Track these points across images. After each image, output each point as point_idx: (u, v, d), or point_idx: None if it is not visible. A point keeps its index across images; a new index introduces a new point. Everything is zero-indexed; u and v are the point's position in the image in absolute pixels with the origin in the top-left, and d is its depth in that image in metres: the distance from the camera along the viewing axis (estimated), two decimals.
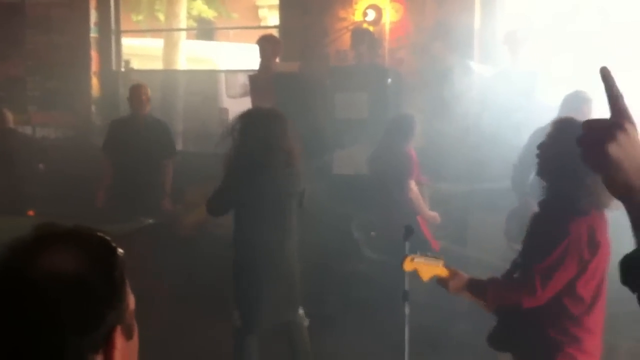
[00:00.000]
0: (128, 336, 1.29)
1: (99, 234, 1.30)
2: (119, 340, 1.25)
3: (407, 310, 3.54)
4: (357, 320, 5.67)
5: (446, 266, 3.25)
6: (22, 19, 8.42)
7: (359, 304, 5.89)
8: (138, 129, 6.32)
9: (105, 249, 1.27)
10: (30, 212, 5.46)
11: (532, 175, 5.33)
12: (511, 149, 5.45)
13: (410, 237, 3.76)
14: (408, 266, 3.27)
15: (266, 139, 4.30)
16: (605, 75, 1.30)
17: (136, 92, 6.39)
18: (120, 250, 1.30)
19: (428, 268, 3.24)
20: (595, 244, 3.02)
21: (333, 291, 6.23)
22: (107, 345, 1.24)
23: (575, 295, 3.06)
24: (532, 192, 5.28)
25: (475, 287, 3.19)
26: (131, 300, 1.32)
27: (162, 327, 5.29)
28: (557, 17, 6.69)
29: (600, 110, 5.11)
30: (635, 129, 1.28)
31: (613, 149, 1.25)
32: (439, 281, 3.25)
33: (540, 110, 5.32)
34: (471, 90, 6.47)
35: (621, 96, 1.29)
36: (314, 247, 6.02)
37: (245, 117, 4.44)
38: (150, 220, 5.73)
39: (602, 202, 3.01)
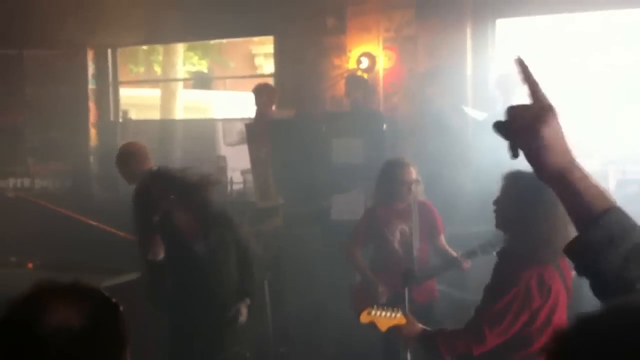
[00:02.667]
0: None
1: (99, 290, 1.33)
2: None
3: (408, 357, 3.55)
4: None
5: (405, 315, 3.32)
6: (20, 71, 8.52)
7: (358, 350, 5.86)
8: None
9: (108, 304, 1.30)
10: (30, 265, 5.45)
11: None
12: None
13: (409, 282, 3.80)
14: (365, 318, 3.34)
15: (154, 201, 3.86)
16: (521, 64, 1.37)
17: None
18: (120, 307, 1.33)
19: (385, 320, 3.31)
20: (545, 290, 3.07)
21: (334, 336, 6.20)
22: None
23: (528, 339, 3.11)
24: None
25: (426, 339, 3.25)
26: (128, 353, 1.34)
27: None
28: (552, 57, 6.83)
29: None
30: (556, 113, 1.36)
31: (545, 130, 1.33)
32: (394, 329, 3.30)
33: None
34: (466, 135, 6.55)
35: (538, 83, 1.37)
36: (314, 293, 6.02)
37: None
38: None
39: (559, 250, 3.07)
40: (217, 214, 4.13)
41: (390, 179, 4.94)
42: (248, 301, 4.26)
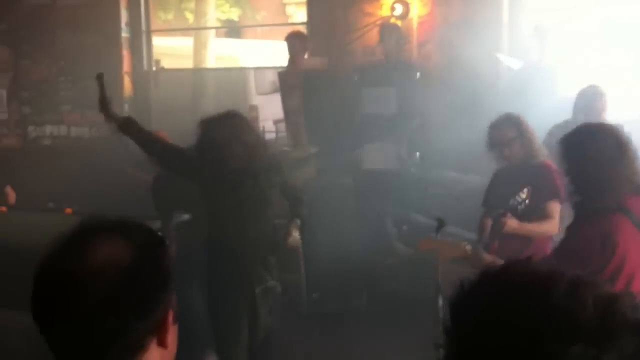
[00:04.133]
0: (174, 320, 1.37)
1: (145, 225, 1.37)
2: (170, 324, 1.34)
3: (440, 303, 3.58)
4: (389, 314, 5.72)
5: (472, 247, 3.30)
6: (53, 20, 8.56)
7: (391, 298, 5.94)
8: None
9: (153, 238, 1.34)
10: (68, 210, 5.58)
11: None
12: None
13: (441, 229, 3.80)
14: (425, 245, 3.31)
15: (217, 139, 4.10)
16: None
17: None
18: (165, 240, 1.37)
19: (449, 249, 3.29)
20: (611, 246, 3.01)
21: (365, 284, 6.28)
22: (161, 329, 1.32)
23: None
24: None
25: None
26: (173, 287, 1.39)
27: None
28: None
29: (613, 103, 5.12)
30: None
31: None
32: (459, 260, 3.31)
33: (566, 104, 5.34)
34: (500, 83, 6.48)
35: None
36: (346, 242, 6.09)
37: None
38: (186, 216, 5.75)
39: (625, 191, 3.05)
40: (270, 157, 4.38)
41: (488, 139, 4.43)
42: (298, 222, 4.40)
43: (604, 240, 3.01)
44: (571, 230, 3.15)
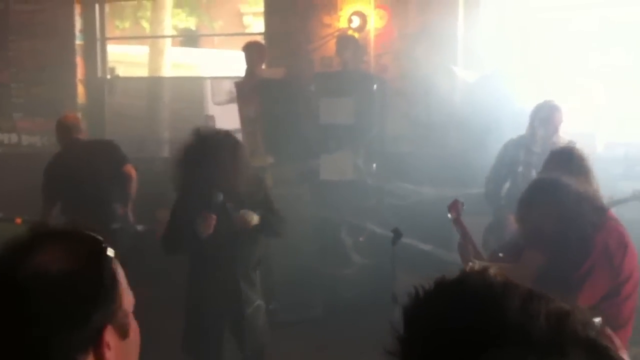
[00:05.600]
0: (122, 335, 1.29)
1: (93, 234, 1.31)
2: (111, 339, 1.26)
3: (396, 312, 3.56)
4: (345, 324, 5.71)
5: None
6: (6, 25, 8.39)
7: (348, 308, 5.94)
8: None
9: (95, 249, 1.29)
10: (18, 220, 5.45)
11: (506, 187, 5.43)
12: (495, 154, 5.52)
13: (398, 241, 3.82)
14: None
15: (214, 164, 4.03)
16: None
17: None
18: (110, 251, 1.31)
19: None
20: (623, 247, 3.28)
21: (321, 295, 6.27)
22: (97, 345, 1.25)
23: (615, 289, 3.27)
24: (507, 204, 5.36)
25: None
26: (127, 300, 1.33)
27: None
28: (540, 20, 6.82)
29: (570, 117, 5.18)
30: None
31: None
32: None
33: (521, 116, 5.41)
34: (455, 96, 6.55)
35: None
36: (302, 252, 6.07)
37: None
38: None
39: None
40: (251, 175, 4.29)
41: None
42: (259, 214, 4.22)
43: (618, 242, 3.28)
44: (582, 244, 3.27)
